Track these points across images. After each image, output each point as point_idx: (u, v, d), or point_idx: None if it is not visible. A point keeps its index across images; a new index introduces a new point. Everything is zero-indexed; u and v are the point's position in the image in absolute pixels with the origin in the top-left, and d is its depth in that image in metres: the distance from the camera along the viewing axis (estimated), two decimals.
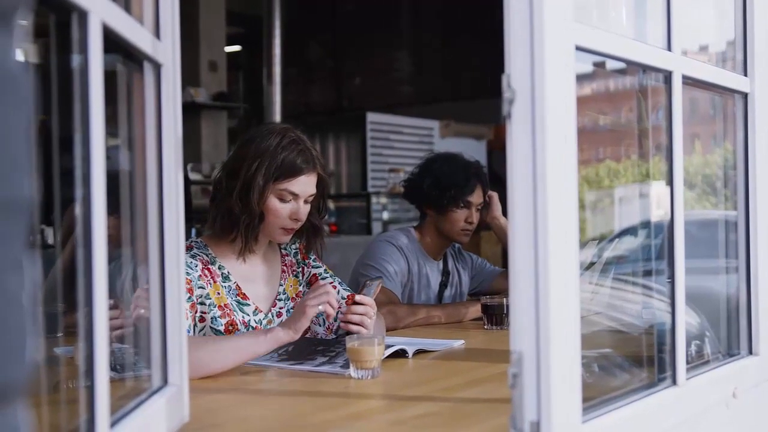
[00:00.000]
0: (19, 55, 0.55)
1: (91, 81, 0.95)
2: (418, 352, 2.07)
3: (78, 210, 0.95)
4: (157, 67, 1.28)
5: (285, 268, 2.25)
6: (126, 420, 1.09)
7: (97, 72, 0.96)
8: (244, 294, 2.12)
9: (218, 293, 2.06)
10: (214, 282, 2.07)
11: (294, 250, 2.29)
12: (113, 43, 1.05)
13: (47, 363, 1.17)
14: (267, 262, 2.22)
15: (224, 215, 2.08)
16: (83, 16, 0.94)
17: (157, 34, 1.28)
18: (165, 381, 1.30)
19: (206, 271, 2.06)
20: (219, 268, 2.10)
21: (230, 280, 2.10)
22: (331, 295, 1.90)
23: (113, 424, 1.03)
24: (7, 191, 0.52)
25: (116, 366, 1.26)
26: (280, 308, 2.19)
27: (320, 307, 1.87)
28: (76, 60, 0.96)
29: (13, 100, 0.52)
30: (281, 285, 2.22)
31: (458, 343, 2.24)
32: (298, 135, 2.10)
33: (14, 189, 0.53)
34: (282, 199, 2.07)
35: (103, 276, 0.96)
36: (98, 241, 0.95)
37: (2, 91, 0.51)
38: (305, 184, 2.08)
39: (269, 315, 2.16)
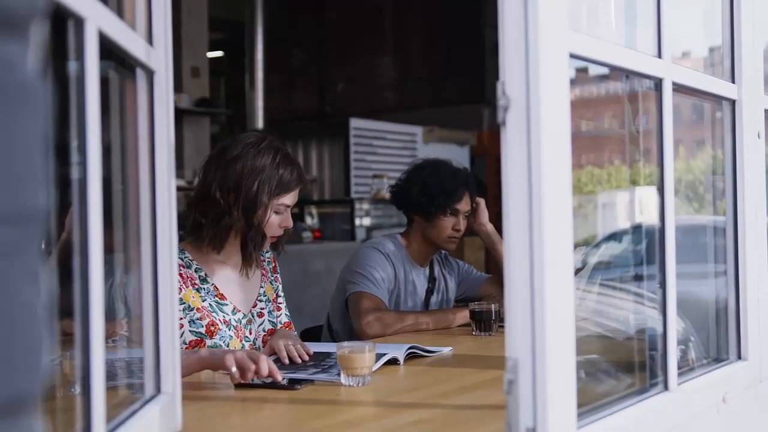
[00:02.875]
0: (34, 64, 0.54)
1: (87, 87, 0.94)
2: (410, 357, 2.07)
3: (73, 217, 0.95)
4: (149, 73, 1.27)
5: (264, 272, 2.32)
6: (120, 429, 1.08)
7: (93, 78, 0.95)
8: (222, 294, 2.17)
9: (194, 296, 2.11)
10: (192, 284, 2.12)
11: (267, 259, 2.36)
12: (106, 49, 1.04)
13: None
14: None
15: (225, 231, 2.12)
16: (80, 23, 0.93)
17: (149, 40, 1.27)
18: (158, 389, 1.29)
19: (178, 276, 2.07)
20: (196, 271, 2.15)
21: (208, 282, 2.16)
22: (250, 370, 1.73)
23: None
24: (24, 202, 0.51)
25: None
26: (261, 308, 2.26)
27: (233, 369, 1.70)
28: (71, 66, 0.95)
29: (29, 109, 0.51)
30: (262, 287, 2.29)
31: (447, 350, 2.24)
32: (285, 149, 2.20)
33: (30, 200, 0.52)
34: (277, 212, 2.17)
35: (99, 284, 0.95)
36: (94, 249, 0.94)
37: (18, 101, 0.50)
38: (296, 195, 2.20)
39: (249, 315, 2.22)
